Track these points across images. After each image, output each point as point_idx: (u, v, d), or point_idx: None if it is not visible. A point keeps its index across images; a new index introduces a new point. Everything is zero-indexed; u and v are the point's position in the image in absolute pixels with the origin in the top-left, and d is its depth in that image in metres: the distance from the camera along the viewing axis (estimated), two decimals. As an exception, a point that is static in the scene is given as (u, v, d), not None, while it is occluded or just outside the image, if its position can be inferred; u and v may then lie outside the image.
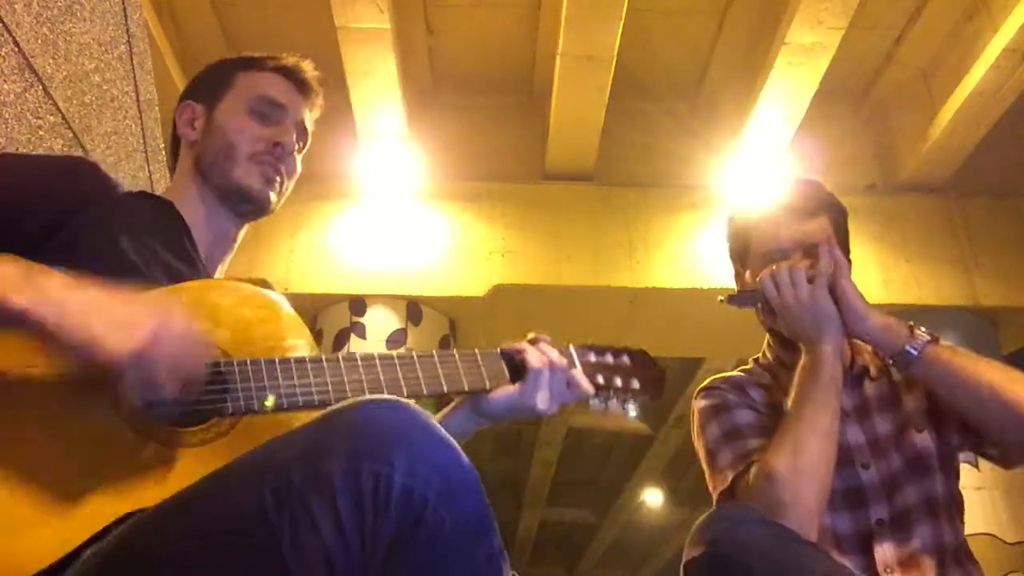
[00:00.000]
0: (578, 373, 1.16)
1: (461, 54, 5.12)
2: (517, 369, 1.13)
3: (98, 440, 0.84)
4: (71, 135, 1.58)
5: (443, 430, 0.77)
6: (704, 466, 1.44)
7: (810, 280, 1.34)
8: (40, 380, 0.83)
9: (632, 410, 1.24)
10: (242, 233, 1.28)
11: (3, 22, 1.35)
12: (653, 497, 10.17)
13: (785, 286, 1.35)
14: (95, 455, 0.83)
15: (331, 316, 4.89)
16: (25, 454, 0.80)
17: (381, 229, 4.97)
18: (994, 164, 5.05)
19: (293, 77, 1.26)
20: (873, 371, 1.44)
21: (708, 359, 6.67)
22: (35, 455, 0.80)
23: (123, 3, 1.85)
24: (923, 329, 1.32)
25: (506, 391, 1.12)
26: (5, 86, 1.36)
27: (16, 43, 1.38)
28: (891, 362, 1.35)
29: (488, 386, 1.11)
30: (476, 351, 1.13)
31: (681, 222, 5.09)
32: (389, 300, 4.86)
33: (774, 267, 1.38)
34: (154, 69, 2.08)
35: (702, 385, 1.52)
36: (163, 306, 0.85)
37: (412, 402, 0.79)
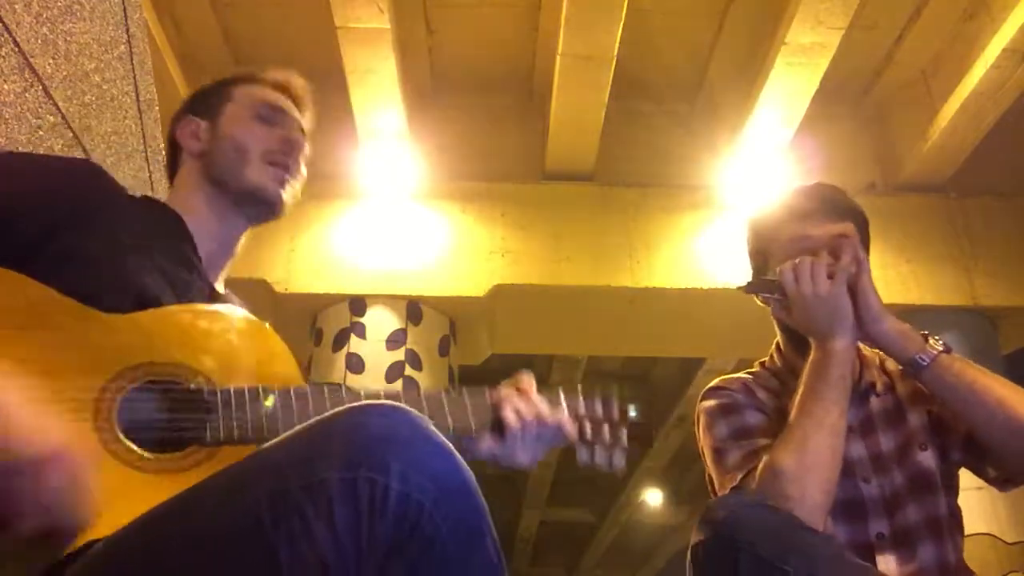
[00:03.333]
0: (564, 419, 1.15)
1: (461, 54, 5.11)
2: (500, 422, 1.11)
3: None
4: (71, 135, 1.58)
5: (440, 435, 0.77)
6: (710, 466, 1.42)
7: (830, 276, 1.33)
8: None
9: (619, 462, 1.21)
10: (244, 239, 1.30)
11: (3, 22, 1.35)
12: (653, 497, 10.16)
13: (804, 278, 1.34)
14: None
15: (331, 316, 4.88)
16: None
17: (381, 229, 4.96)
18: (994, 164, 5.04)
19: (286, 91, 1.33)
20: (879, 388, 1.43)
21: (708, 359, 6.66)
22: None
23: (123, 3, 1.84)
24: (937, 339, 1.31)
25: (488, 443, 1.11)
26: (5, 86, 1.36)
27: (16, 43, 1.38)
28: (902, 368, 1.35)
29: (474, 429, 1.10)
30: (464, 391, 1.12)
31: (681, 222, 5.08)
32: (389, 300, 4.85)
33: (796, 260, 1.37)
34: (154, 69, 2.08)
35: (710, 385, 1.51)
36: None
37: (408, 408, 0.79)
